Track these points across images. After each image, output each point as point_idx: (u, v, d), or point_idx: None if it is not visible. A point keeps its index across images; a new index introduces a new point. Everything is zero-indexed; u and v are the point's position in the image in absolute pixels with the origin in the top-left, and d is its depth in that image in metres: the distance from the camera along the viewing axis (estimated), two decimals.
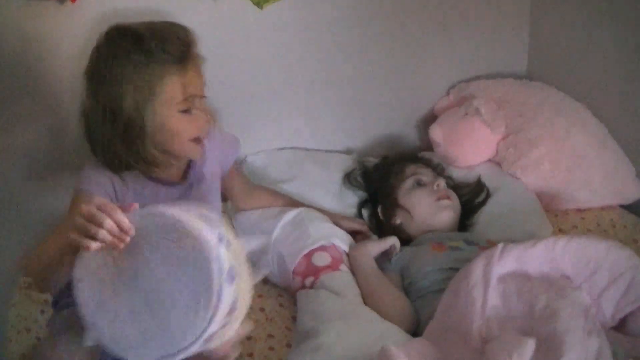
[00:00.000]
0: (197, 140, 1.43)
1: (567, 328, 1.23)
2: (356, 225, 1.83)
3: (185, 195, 1.51)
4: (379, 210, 1.85)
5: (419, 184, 1.81)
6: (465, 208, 1.85)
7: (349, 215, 1.91)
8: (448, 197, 1.79)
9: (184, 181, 1.52)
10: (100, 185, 1.39)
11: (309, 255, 1.63)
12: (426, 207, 1.77)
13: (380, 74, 2.17)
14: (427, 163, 1.93)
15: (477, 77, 2.25)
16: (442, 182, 1.82)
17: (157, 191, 1.46)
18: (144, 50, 1.31)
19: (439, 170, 1.93)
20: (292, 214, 1.75)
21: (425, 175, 1.83)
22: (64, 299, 1.38)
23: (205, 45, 1.42)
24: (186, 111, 1.38)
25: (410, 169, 1.85)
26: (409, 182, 1.82)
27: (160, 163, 1.41)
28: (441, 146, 2.08)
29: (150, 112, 1.33)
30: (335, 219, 1.81)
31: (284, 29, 1.99)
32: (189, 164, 1.52)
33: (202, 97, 1.40)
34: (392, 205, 1.82)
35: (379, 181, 1.89)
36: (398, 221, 1.81)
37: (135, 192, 1.43)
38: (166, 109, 1.35)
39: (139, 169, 1.41)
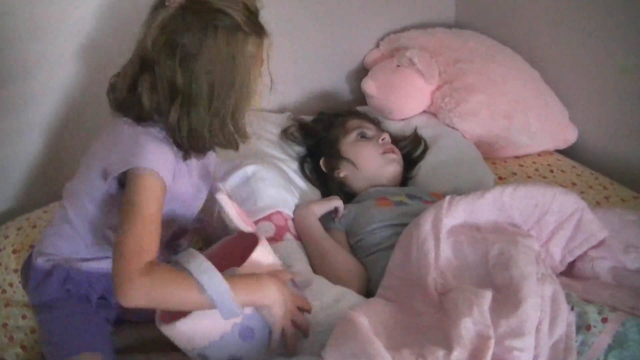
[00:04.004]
0: None
1: (523, 274, 1.24)
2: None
3: (203, 164, 1.42)
4: (322, 162, 1.79)
5: (364, 137, 1.77)
6: (405, 162, 1.82)
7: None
8: (393, 151, 1.75)
9: None
10: (167, 163, 1.25)
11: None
12: (373, 160, 1.73)
13: (308, 28, 2.09)
14: (369, 118, 1.88)
15: (406, 28, 2.21)
16: (387, 137, 1.78)
17: (190, 164, 1.35)
18: (241, 23, 1.24)
19: (378, 125, 1.88)
20: (239, 174, 1.65)
21: (369, 129, 1.79)
22: None
23: None
24: None
25: (354, 122, 1.80)
26: (353, 135, 1.77)
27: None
28: (375, 99, 2.03)
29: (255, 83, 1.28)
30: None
31: None
32: None
33: None
34: (336, 157, 1.76)
35: (321, 133, 1.82)
36: (342, 174, 1.76)
37: (182, 166, 1.33)
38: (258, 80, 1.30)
39: (221, 146, 1.32)
